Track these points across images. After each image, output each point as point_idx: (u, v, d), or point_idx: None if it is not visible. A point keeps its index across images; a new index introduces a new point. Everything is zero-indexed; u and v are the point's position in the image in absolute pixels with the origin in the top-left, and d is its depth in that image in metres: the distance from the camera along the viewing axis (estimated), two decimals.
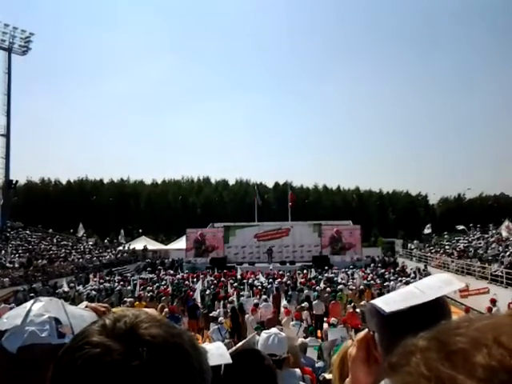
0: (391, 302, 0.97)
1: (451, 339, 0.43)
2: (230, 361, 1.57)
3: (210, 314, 13.24)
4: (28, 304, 1.07)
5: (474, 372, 0.39)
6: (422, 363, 0.42)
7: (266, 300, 14.51)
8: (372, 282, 19.78)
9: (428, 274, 9.48)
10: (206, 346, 1.73)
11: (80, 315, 1.11)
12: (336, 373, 1.73)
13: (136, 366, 0.55)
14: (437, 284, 1.02)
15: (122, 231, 42.89)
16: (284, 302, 14.79)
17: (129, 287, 20.15)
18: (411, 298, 0.96)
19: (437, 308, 0.97)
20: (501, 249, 23.66)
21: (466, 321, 0.46)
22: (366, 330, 1.09)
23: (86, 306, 1.29)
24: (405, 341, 0.48)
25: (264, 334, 3.02)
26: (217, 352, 1.60)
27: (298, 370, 3.53)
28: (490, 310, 13.22)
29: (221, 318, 11.86)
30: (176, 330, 0.63)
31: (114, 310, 1.32)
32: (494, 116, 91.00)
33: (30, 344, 0.99)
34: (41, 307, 1.06)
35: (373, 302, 1.00)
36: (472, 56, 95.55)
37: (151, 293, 17.58)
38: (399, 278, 19.81)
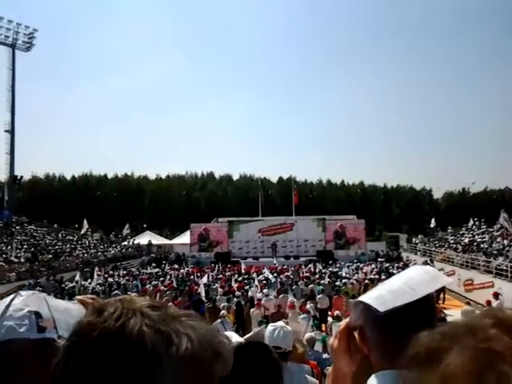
0: (384, 300, 0.98)
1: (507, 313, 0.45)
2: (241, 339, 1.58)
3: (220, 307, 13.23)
4: (8, 299, 1.04)
5: None
6: (491, 337, 0.43)
7: (267, 294, 14.54)
8: (377, 276, 19.75)
9: None
10: None
11: (65, 308, 1.09)
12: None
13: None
14: (425, 279, 1.03)
15: (127, 225, 43.25)
16: (290, 297, 14.76)
17: (134, 282, 20.24)
18: (403, 296, 0.97)
19: (426, 302, 1.00)
20: (506, 242, 23.61)
21: None
22: (346, 321, 1.13)
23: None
24: (439, 328, 0.48)
25: (270, 326, 3.05)
26: (228, 335, 1.60)
27: (306, 365, 3.56)
28: (489, 303, 13.21)
29: (223, 312, 11.89)
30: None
31: None
32: (498, 110, 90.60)
33: (7, 339, 0.96)
34: (21, 302, 1.03)
35: (365, 300, 1.02)
36: (474, 51, 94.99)
37: (163, 287, 17.64)
38: None
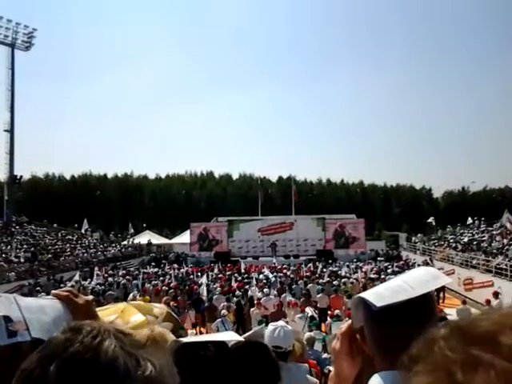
0: (381, 296, 0.99)
1: (474, 324, 0.46)
2: (241, 338, 1.58)
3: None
4: None
5: (499, 351, 0.41)
6: (446, 348, 0.44)
7: (267, 294, 14.53)
8: (376, 275, 19.74)
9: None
10: (219, 334, 1.76)
11: (38, 306, 1.04)
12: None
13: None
14: (424, 278, 1.04)
15: (130, 224, 43.44)
16: (288, 297, 14.76)
17: (134, 281, 20.20)
18: (401, 293, 0.98)
19: (424, 301, 1.00)
20: (505, 242, 23.60)
21: (486, 312, 0.49)
22: (348, 322, 1.13)
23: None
24: (424, 334, 0.49)
25: (271, 326, 3.05)
26: (229, 334, 1.60)
27: (305, 365, 3.56)
28: (488, 302, 13.23)
29: (224, 311, 11.88)
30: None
31: (118, 305, 1.31)
32: (498, 108, 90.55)
33: None
34: None
35: (362, 296, 1.02)
36: (474, 48, 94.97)
37: (164, 287, 17.55)
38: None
